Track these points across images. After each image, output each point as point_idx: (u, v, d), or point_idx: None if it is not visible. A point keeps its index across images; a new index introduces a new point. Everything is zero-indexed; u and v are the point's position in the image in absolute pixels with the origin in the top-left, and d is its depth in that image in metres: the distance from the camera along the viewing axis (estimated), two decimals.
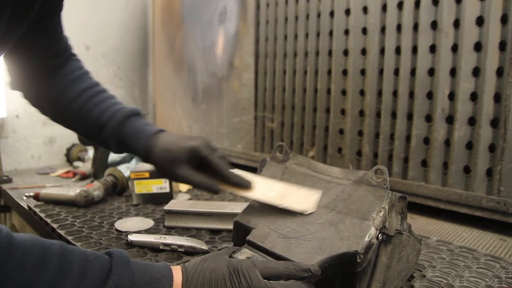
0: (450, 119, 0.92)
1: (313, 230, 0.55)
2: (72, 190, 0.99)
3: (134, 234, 0.75)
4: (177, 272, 0.48)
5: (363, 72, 1.07)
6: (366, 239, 0.50)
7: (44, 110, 0.81)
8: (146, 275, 0.46)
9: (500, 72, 0.84)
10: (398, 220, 0.56)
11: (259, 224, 0.59)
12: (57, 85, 0.77)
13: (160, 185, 1.00)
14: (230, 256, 0.52)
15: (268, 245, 0.53)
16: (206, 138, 0.70)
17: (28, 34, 0.66)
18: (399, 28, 0.99)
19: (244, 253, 0.53)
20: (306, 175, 0.65)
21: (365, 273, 0.52)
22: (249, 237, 0.56)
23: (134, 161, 1.38)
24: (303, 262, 0.49)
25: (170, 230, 0.83)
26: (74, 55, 0.81)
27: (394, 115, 1.02)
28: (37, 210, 0.94)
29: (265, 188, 0.64)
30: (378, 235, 0.52)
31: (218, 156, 0.68)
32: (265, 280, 0.46)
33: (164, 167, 0.69)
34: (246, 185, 0.65)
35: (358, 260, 0.49)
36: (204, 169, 0.68)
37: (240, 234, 0.61)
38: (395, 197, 0.55)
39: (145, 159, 0.73)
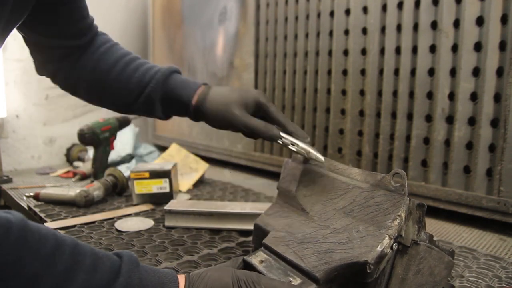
0: (450, 119, 0.92)
1: (326, 236, 0.54)
2: (72, 190, 0.99)
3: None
4: (181, 278, 0.48)
5: (363, 72, 1.07)
6: (378, 248, 0.48)
7: (76, 90, 0.79)
8: (154, 278, 0.46)
9: (500, 72, 0.84)
10: (415, 229, 0.52)
11: (276, 227, 0.59)
12: (89, 60, 0.76)
13: (160, 185, 1.00)
14: (239, 266, 0.53)
15: (280, 249, 0.54)
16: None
17: (51, 12, 0.65)
18: (399, 28, 0.99)
19: (259, 256, 0.55)
20: (324, 176, 0.64)
21: (378, 284, 0.50)
22: (265, 240, 0.57)
23: (134, 161, 1.38)
24: (311, 269, 0.49)
25: (170, 230, 0.83)
26: (101, 32, 0.81)
27: (394, 115, 1.02)
28: (37, 210, 0.94)
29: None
30: (393, 244, 0.49)
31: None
32: None
33: (219, 112, 0.66)
34: (303, 135, 0.64)
35: (368, 271, 0.47)
36: (261, 118, 0.66)
37: (259, 236, 0.61)
38: (413, 205, 0.52)
39: (193, 109, 0.70)
